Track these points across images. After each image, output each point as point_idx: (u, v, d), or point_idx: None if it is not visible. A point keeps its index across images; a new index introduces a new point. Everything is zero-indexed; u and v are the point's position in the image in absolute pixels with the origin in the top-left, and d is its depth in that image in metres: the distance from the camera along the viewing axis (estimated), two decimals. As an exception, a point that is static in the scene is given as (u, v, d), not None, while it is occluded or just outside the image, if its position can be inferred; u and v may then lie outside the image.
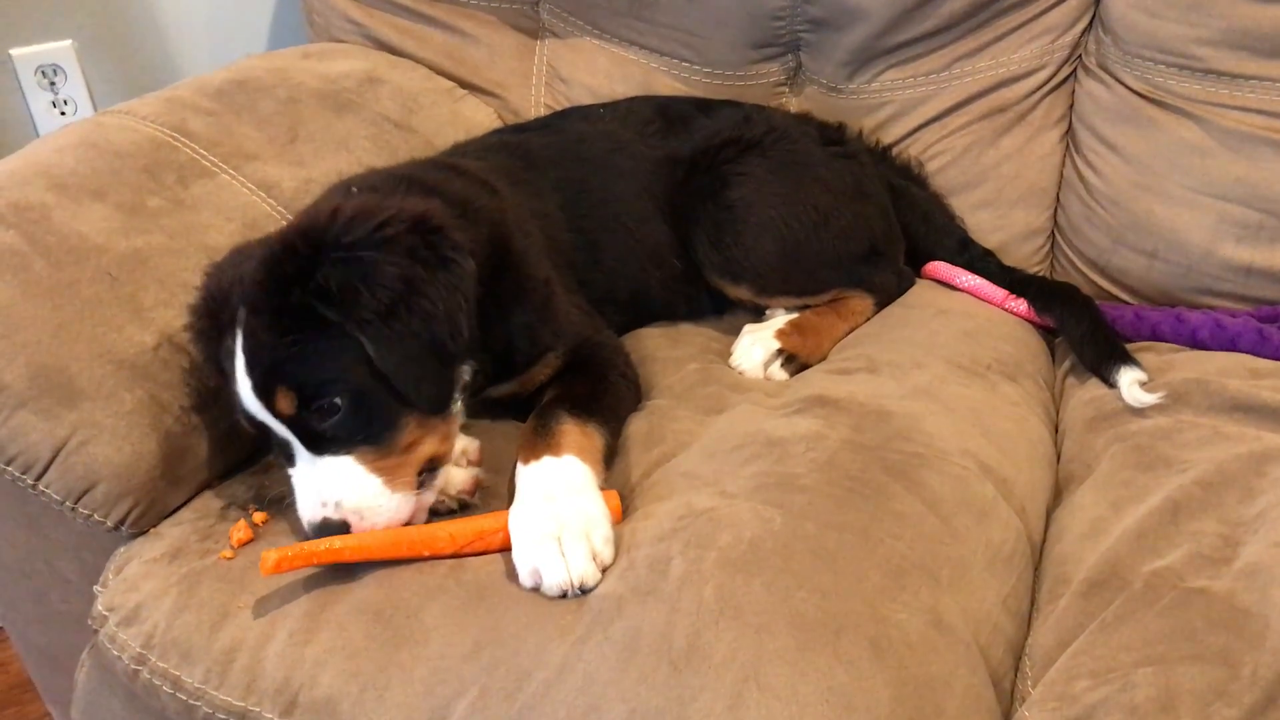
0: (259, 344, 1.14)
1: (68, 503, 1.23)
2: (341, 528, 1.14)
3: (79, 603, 1.26)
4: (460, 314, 1.17)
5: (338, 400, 1.14)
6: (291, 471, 1.19)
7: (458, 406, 1.27)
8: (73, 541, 1.30)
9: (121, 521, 1.25)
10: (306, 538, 1.19)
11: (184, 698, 1.13)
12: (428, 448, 1.20)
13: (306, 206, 1.28)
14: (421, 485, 1.19)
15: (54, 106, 2.15)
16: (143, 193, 1.43)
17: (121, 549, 1.26)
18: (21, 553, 1.36)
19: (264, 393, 1.14)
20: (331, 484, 1.15)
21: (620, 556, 1.12)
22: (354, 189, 1.34)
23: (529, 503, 1.14)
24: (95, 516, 1.24)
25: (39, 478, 1.22)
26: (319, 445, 1.15)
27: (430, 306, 1.15)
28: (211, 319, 1.21)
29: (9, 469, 1.22)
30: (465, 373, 1.29)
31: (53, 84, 2.13)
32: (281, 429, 1.16)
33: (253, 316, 1.15)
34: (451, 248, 1.19)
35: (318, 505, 1.15)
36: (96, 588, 1.23)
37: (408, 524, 1.18)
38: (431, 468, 1.20)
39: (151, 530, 1.27)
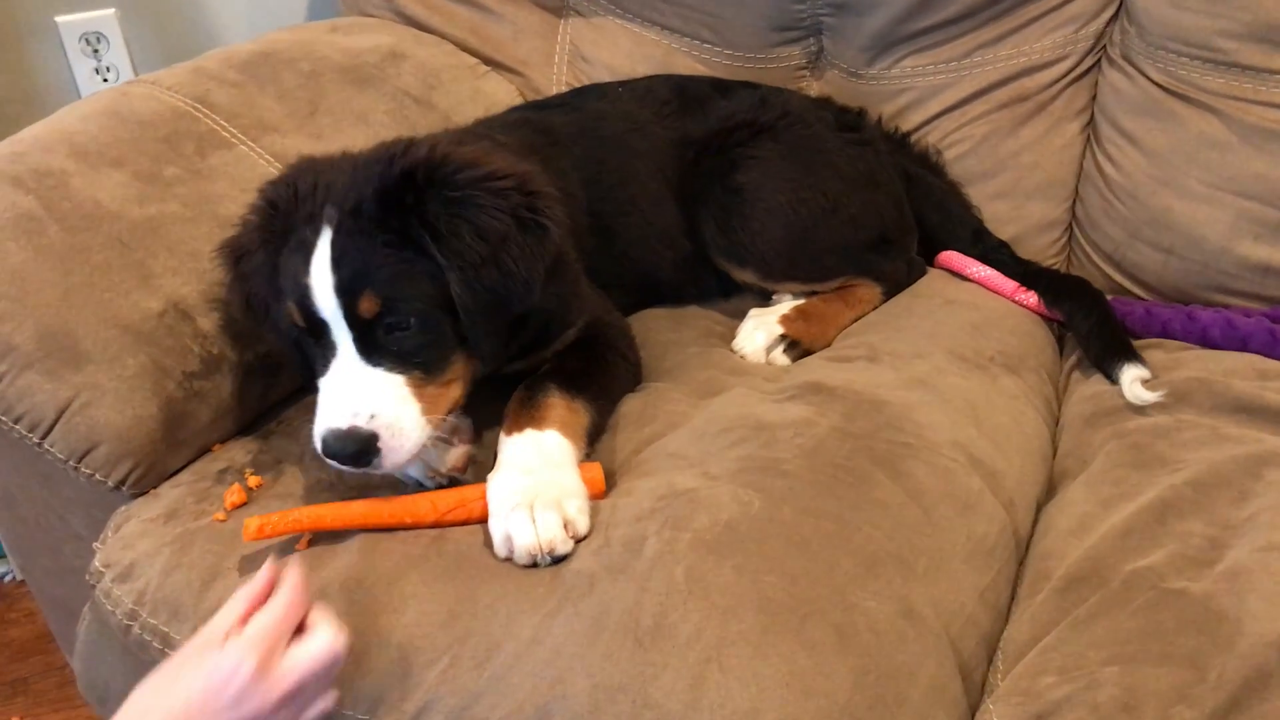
0: (354, 245, 1.16)
1: (70, 462, 1.26)
2: (364, 442, 1.13)
3: (89, 558, 1.28)
4: (536, 279, 1.21)
5: (413, 319, 1.17)
6: (322, 380, 1.18)
7: None
8: (82, 498, 1.33)
9: (122, 482, 1.28)
10: (301, 501, 1.22)
11: (172, 654, 1.16)
12: (458, 389, 1.22)
13: (399, 139, 1.30)
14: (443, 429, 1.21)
15: (96, 73, 2.19)
16: (160, 162, 1.45)
17: (122, 508, 1.29)
18: (38, 507, 1.40)
19: (347, 291, 1.15)
20: (374, 395, 1.15)
21: (598, 534, 1.13)
22: None
23: (507, 473, 1.16)
24: (97, 476, 1.27)
25: (44, 437, 1.25)
26: (375, 357, 1.16)
27: (514, 266, 1.19)
28: (284, 217, 1.22)
29: (16, 427, 1.25)
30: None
31: (95, 51, 2.18)
32: (341, 330, 1.16)
33: (351, 219, 1.17)
34: (547, 214, 1.23)
35: (349, 413, 1.14)
36: (95, 544, 1.27)
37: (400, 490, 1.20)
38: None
39: (151, 491, 1.30)
